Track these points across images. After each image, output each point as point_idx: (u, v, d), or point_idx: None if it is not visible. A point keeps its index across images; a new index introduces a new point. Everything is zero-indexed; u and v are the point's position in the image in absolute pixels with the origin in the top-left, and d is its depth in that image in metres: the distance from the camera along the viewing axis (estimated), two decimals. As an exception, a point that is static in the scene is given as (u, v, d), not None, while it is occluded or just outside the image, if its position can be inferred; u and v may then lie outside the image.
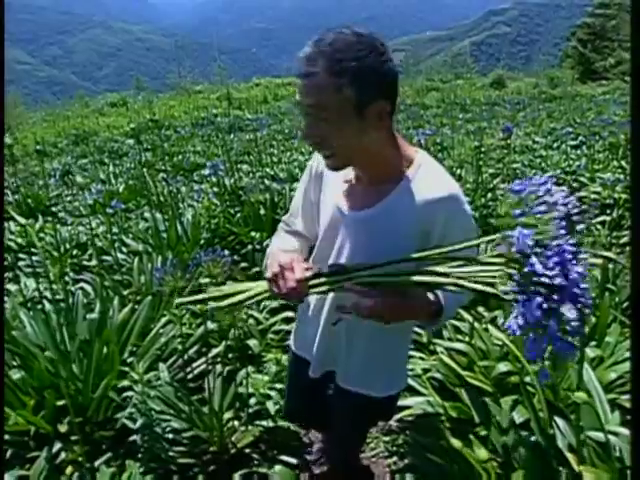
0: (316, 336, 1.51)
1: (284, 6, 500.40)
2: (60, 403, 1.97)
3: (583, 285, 0.89)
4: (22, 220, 3.43)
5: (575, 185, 5.92)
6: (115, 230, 4.89)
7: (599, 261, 3.50)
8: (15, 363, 2.19)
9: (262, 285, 1.26)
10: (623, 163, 6.26)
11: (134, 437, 1.95)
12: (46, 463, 1.85)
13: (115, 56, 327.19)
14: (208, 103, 21.87)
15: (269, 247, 1.54)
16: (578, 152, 7.78)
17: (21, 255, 4.95)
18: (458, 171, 6.23)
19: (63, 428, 1.92)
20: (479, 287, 1.00)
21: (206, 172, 6.51)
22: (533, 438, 1.46)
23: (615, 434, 1.45)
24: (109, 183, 7.74)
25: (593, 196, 5.45)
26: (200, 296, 1.28)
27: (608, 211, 5.22)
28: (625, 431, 1.47)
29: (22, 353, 2.20)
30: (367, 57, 1.12)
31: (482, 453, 1.53)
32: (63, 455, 1.91)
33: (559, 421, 1.59)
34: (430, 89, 29.20)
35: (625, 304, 2.78)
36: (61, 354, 2.17)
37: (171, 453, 1.95)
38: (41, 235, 5.05)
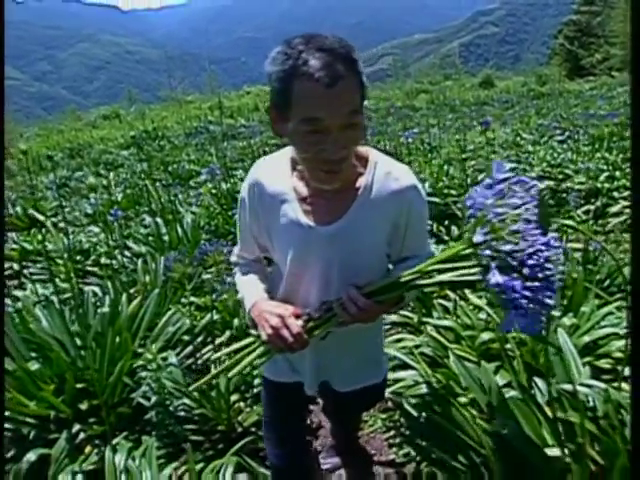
0: (303, 357, 1.43)
1: (272, 14, 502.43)
2: (79, 386, 2.12)
3: (547, 257, 0.92)
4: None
5: (560, 177, 6.10)
6: (116, 237, 5.04)
7: (579, 245, 3.70)
8: (33, 355, 2.35)
9: (253, 340, 1.27)
10: (606, 154, 6.46)
11: (148, 416, 2.11)
12: (66, 443, 2.00)
13: (105, 69, 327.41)
14: (200, 112, 22.06)
15: (245, 298, 1.40)
16: (564, 146, 7.96)
17: (25, 263, 5.11)
18: (445, 167, 6.40)
19: (83, 406, 2.07)
20: (460, 279, 1.05)
21: (203, 177, 6.68)
22: (513, 393, 1.62)
23: (588, 386, 1.62)
24: (107, 193, 7.88)
25: (577, 187, 5.62)
26: (210, 375, 1.31)
27: (592, 200, 5.40)
28: (596, 383, 1.63)
29: (40, 344, 2.35)
30: (355, 52, 1.10)
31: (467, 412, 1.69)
32: (82, 435, 2.06)
33: (538, 381, 1.76)
34: (419, 91, 29.47)
35: (605, 281, 2.97)
36: (76, 345, 2.33)
37: (182, 430, 2.11)
38: (45, 244, 5.20)
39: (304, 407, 1.80)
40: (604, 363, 2.03)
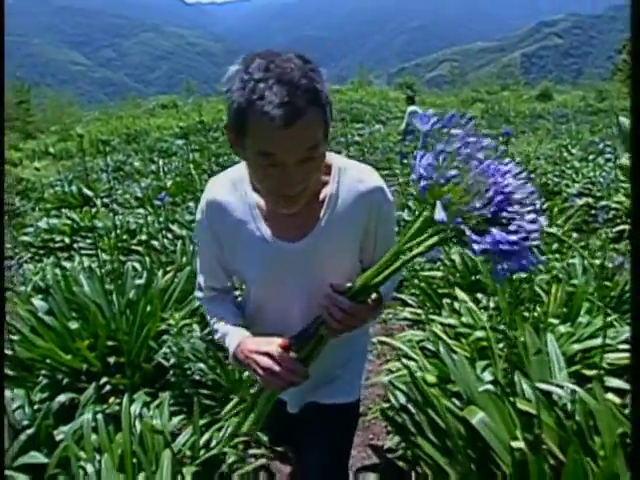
0: None
1: (336, 14, 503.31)
2: (110, 343, 2.39)
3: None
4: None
5: (599, 194, 6.10)
6: (161, 219, 5.34)
7: (598, 261, 3.76)
8: (74, 315, 2.63)
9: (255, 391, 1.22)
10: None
11: (167, 377, 2.35)
12: (93, 392, 2.25)
13: (166, 59, 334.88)
14: (255, 107, 22.47)
15: (225, 339, 1.29)
16: (610, 164, 7.90)
17: (75, 238, 5.48)
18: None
19: (111, 361, 2.34)
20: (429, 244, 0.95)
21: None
22: (491, 387, 1.77)
23: (560, 387, 1.76)
24: (158, 179, 8.26)
25: (614, 205, 5.63)
26: (228, 435, 1.40)
27: (629, 220, 5.40)
28: (569, 385, 1.76)
29: (80, 306, 2.63)
30: (321, 79, 1.02)
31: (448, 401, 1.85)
32: (107, 388, 2.33)
33: (521, 378, 1.90)
34: (475, 100, 29.21)
35: (620, 297, 3.05)
36: (112, 309, 2.60)
37: (196, 392, 2.33)
38: (95, 221, 5.56)
39: (293, 425, 1.59)
40: (591, 372, 2.14)
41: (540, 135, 13.82)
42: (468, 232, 0.85)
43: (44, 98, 31.55)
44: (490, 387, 1.76)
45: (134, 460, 1.84)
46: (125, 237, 5.00)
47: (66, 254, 5.23)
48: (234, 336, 1.26)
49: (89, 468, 1.73)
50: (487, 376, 1.99)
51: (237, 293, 1.50)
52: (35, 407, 2.19)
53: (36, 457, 1.92)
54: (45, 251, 5.42)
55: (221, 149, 11.80)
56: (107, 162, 9.43)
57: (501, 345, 2.11)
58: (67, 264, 4.46)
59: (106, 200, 7.41)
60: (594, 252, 4.06)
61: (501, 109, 22.00)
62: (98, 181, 9.09)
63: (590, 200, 6.02)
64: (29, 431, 2.02)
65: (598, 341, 2.23)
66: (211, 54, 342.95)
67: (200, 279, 1.40)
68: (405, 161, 8.71)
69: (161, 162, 9.83)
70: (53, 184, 9.80)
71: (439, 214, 0.84)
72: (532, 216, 0.86)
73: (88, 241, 5.21)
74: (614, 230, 5.24)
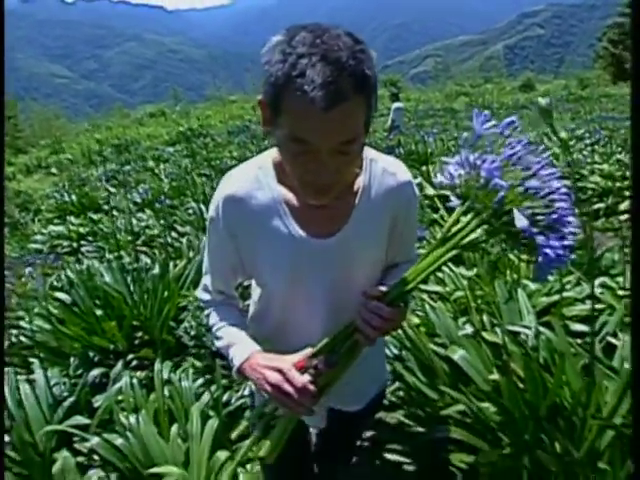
0: None
1: (316, 15, 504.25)
2: (135, 323, 2.69)
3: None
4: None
5: (577, 177, 6.44)
6: (162, 222, 5.63)
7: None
8: (97, 302, 2.91)
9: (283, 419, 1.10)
10: (619, 156, 6.77)
11: (187, 351, 2.63)
12: (122, 368, 2.54)
13: (150, 68, 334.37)
14: (243, 112, 22.82)
15: (231, 349, 1.19)
16: (589, 149, 8.23)
17: (82, 242, 5.76)
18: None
19: (137, 341, 2.64)
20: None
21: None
22: (469, 331, 2.08)
23: (528, 328, 2.07)
24: (155, 184, 8.54)
25: (591, 185, 5.97)
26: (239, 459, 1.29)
27: (604, 199, 5.74)
28: (532, 325, 2.07)
29: (104, 294, 2.92)
30: (371, 62, 0.93)
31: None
32: (134, 363, 2.62)
33: (493, 321, 2.22)
34: (459, 94, 29.61)
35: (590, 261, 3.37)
36: (132, 295, 2.90)
37: (214, 362, 2.61)
38: (100, 226, 5.85)
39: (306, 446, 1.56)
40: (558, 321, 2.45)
41: (522, 124, 14.13)
42: (541, 238, 0.88)
43: (31, 112, 31.70)
44: (468, 331, 2.07)
45: (166, 417, 2.13)
46: (130, 238, 5.28)
47: (73, 258, 5.51)
48: (242, 349, 1.16)
49: (131, 419, 2.01)
50: (467, 327, 2.29)
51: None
52: (72, 381, 2.48)
53: (79, 420, 2.20)
54: (54, 257, 5.69)
55: (212, 154, 12.08)
56: (103, 171, 9.69)
57: (479, 302, 2.42)
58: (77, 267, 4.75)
59: (106, 207, 7.70)
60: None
61: (485, 101, 22.34)
62: (94, 190, 9.35)
63: (567, 182, 6.33)
64: (70, 399, 2.31)
65: (565, 295, 2.55)
66: (194, 60, 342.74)
67: (207, 280, 1.28)
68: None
69: (161, 166, 10.12)
70: (49, 195, 10.08)
71: (522, 222, 0.86)
72: (576, 220, 0.92)
73: (95, 245, 5.48)
74: (591, 208, 5.59)
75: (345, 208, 1.13)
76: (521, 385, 1.78)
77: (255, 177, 1.13)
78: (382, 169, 1.16)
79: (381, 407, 1.67)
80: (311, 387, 1.01)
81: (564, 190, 0.92)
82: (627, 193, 5.70)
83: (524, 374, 1.69)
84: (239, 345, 1.18)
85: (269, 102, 0.94)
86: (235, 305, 1.33)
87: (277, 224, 1.11)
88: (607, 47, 37.28)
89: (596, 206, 5.65)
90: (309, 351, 1.06)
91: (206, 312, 1.32)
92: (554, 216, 0.90)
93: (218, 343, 1.24)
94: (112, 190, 9.26)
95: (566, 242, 0.89)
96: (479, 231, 0.95)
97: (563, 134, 1.40)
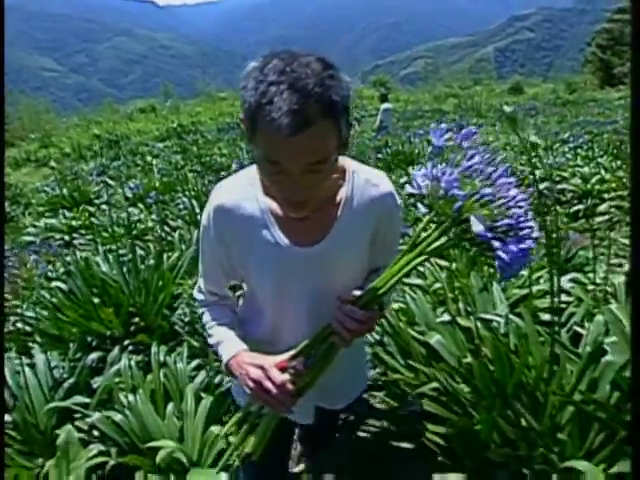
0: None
1: (306, 13, 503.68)
2: (131, 310, 2.83)
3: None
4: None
5: (557, 179, 6.64)
6: (154, 217, 5.75)
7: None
8: (95, 291, 3.04)
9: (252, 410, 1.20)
10: (600, 159, 7.00)
11: (180, 338, 2.77)
12: (119, 352, 2.67)
13: (140, 63, 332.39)
14: (233, 109, 22.88)
15: (220, 346, 1.29)
16: (574, 152, 8.44)
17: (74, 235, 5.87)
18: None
19: (132, 326, 2.79)
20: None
21: (234, 167, 7.42)
22: (446, 318, 2.25)
23: (499, 316, 2.24)
24: (146, 180, 8.64)
25: (571, 187, 6.17)
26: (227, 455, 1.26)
27: (584, 200, 5.94)
28: (503, 313, 2.24)
29: (102, 283, 3.05)
30: (340, 87, 0.99)
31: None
32: (130, 348, 2.75)
33: (467, 308, 2.39)
34: (448, 95, 29.84)
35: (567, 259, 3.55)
36: (129, 285, 3.03)
37: (208, 347, 2.75)
38: (92, 219, 5.96)
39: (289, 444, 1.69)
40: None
41: (505, 127, 14.38)
42: (497, 244, 0.95)
43: (19, 105, 31.50)
44: (445, 319, 2.23)
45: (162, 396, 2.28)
46: (123, 231, 5.40)
47: (66, 250, 5.61)
48: (230, 346, 1.26)
49: (130, 398, 2.15)
50: (444, 316, 2.45)
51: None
52: (71, 364, 2.61)
53: (79, 399, 2.33)
54: (56, 246, 5.79)
55: (202, 150, 12.18)
56: (94, 166, 9.76)
57: (456, 292, 2.59)
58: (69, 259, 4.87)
59: (97, 201, 7.79)
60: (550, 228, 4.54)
61: (473, 103, 22.57)
62: (86, 184, 9.43)
63: (548, 184, 6.54)
64: (70, 380, 2.45)
65: (536, 288, 2.72)
66: (185, 56, 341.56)
67: (201, 282, 1.38)
68: (380, 155, 9.21)
69: (155, 161, 10.22)
70: (40, 189, 10.15)
71: (478, 227, 0.93)
72: (535, 223, 0.98)
73: (87, 237, 5.58)
74: (571, 210, 5.80)
75: (328, 218, 1.20)
76: (491, 367, 1.94)
77: (243, 188, 1.21)
78: (364, 180, 1.22)
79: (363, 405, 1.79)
80: (289, 386, 1.10)
81: (521, 197, 0.98)
82: (605, 195, 5.91)
83: (493, 356, 1.86)
84: (227, 343, 1.27)
85: (247, 123, 1.02)
86: (228, 305, 1.41)
87: (263, 233, 1.19)
88: (595, 52, 37.76)
89: (576, 207, 5.84)
90: (290, 353, 1.15)
91: (200, 311, 1.41)
92: (509, 221, 0.96)
93: (210, 340, 1.34)
94: (103, 185, 9.35)
95: (522, 246, 0.95)
96: (443, 239, 1.02)
97: (533, 138, 1.55)
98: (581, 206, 5.83)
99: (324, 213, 1.18)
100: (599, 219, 5.48)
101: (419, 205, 1.05)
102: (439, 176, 0.98)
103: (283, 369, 1.12)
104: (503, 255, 0.94)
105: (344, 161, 1.22)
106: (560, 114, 16.93)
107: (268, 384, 1.10)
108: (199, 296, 1.40)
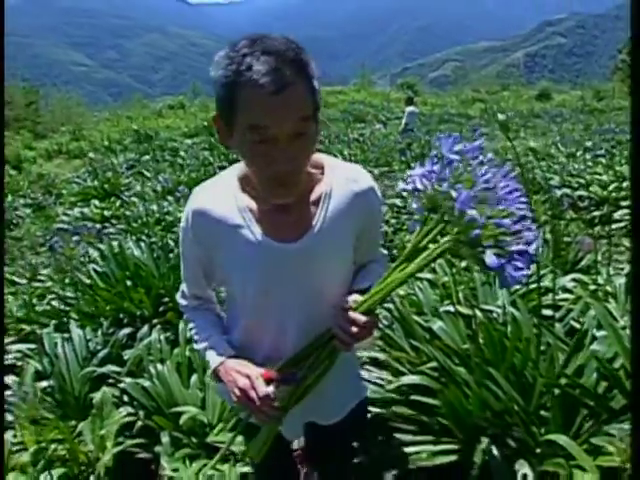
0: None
1: (338, 14, 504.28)
2: (161, 291, 3.07)
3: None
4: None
5: (576, 186, 6.75)
6: (182, 209, 5.99)
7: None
8: (127, 274, 3.29)
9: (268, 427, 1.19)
10: (620, 168, 7.09)
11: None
12: (148, 330, 2.90)
13: (170, 60, 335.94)
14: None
15: (207, 352, 1.28)
16: (596, 160, 8.51)
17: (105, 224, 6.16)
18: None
19: (161, 307, 3.04)
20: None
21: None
22: (449, 308, 2.43)
23: (500, 307, 2.42)
24: (175, 174, 8.94)
25: (589, 194, 6.30)
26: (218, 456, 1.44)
27: (601, 207, 6.06)
28: (502, 304, 2.42)
29: (135, 266, 3.30)
30: (307, 55, 1.03)
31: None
32: (158, 327, 2.98)
33: (470, 301, 2.57)
34: (475, 100, 29.75)
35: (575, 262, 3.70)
36: (160, 270, 3.28)
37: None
38: (122, 210, 6.25)
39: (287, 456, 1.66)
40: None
41: (530, 133, 14.47)
42: (509, 269, 0.93)
43: (50, 99, 32.17)
44: (449, 308, 2.42)
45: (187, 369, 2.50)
46: (152, 221, 5.66)
47: (97, 239, 5.90)
48: (218, 352, 1.25)
49: (158, 367, 2.38)
50: (449, 307, 2.64)
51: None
52: (105, 338, 2.86)
53: (112, 368, 2.57)
54: (78, 237, 6.09)
55: (230, 147, 12.41)
56: (124, 160, 10.08)
57: (462, 287, 2.77)
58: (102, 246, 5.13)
59: (127, 193, 8.10)
60: (562, 232, 4.68)
61: (500, 109, 22.50)
62: (116, 177, 9.76)
63: (568, 191, 6.66)
64: (104, 351, 2.69)
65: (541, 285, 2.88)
66: (214, 55, 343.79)
67: (184, 287, 1.37)
68: (403, 158, 9.40)
69: (183, 154, 10.49)
70: (70, 180, 10.53)
71: (491, 259, 0.92)
72: (535, 231, 0.96)
73: (118, 227, 5.86)
74: (589, 217, 5.92)
75: (308, 214, 1.18)
76: (486, 351, 2.13)
77: (220, 189, 1.20)
78: (344, 176, 1.21)
79: (364, 423, 1.74)
80: (271, 397, 1.11)
81: (520, 205, 0.97)
82: (622, 203, 6.01)
83: (486, 340, 2.04)
84: (214, 349, 1.27)
85: (222, 109, 1.05)
86: (212, 309, 1.41)
87: (242, 231, 1.16)
88: (625, 59, 37.23)
89: (593, 214, 5.96)
90: (283, 361, 1.17)
91: (185, 316, 1.42)
92: (519, 247, 0.94)
93: (197, 346, 1.32)
94: (137, 177, 9.66)
95: (525, 272, 0.94)
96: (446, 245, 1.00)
97: (532, 144, 1.73)
98: (598, 212, 5.94)
99: (304, 209, 1.18)
100: (615, 226, 5.59)
101: (412, 201, 1.06)
102: (452, 193, 0.96)
103: (269, 380, 1.14)
104: (509, 277, 0.94)
105: (320, 157, 1.23)
106: (586, 122, 16.86)
107: (252, 394, 1.12)
108: (182, 301, 1.39)
